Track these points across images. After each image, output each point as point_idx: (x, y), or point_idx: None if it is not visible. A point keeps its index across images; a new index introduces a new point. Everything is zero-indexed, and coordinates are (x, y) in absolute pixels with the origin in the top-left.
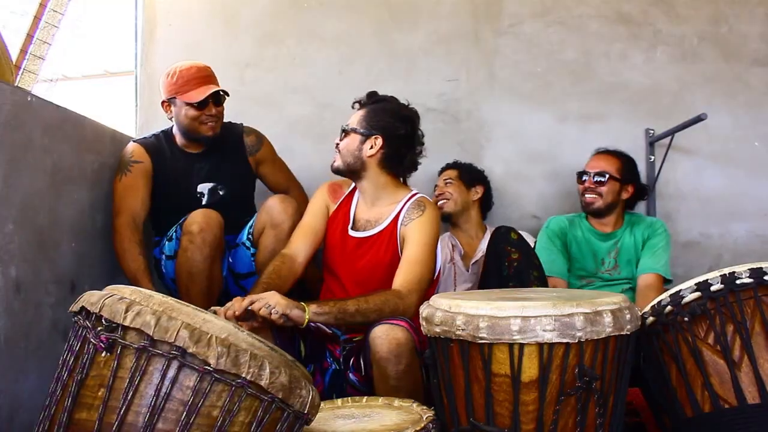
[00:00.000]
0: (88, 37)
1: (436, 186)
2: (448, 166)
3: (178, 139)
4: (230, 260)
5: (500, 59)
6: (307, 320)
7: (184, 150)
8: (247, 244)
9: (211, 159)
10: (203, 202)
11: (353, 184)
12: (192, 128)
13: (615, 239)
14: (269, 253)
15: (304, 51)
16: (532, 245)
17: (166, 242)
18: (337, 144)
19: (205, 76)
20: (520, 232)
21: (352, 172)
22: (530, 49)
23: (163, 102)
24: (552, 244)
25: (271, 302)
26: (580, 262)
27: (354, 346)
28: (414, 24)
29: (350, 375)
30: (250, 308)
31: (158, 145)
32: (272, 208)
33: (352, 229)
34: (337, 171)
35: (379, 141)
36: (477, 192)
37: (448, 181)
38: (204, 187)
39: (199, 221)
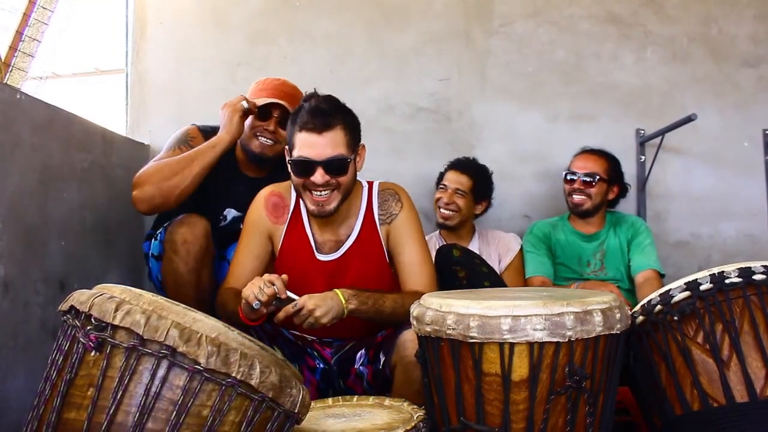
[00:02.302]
0: (78, 35)
1: (442, 186)
2: (464, 168)
3: (238, 149)
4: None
5: (491, 59)
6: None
7: (236, 164)
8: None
9: (255, 188)
10: (220, 224)
11: (294, 197)
12: (247, 140)
13: (600, 240)
14: None
15: (295, 50)
16: (519, 247)
17: (153, 241)
18: (328, 183)
19: (284, 93)
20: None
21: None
22: (521, 49)
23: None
24: (536, 248)
25: (315, 315)
26: (565, 265)
27: (358, 341)
28: (405, 24)
29: (360, 368)
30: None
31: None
32: None
33: (319, 253)
34: (334, 212)
35: (364, 150)
36: (481, 207)
37: (459, 192)
38: (230, 213)
39: (183, 232)
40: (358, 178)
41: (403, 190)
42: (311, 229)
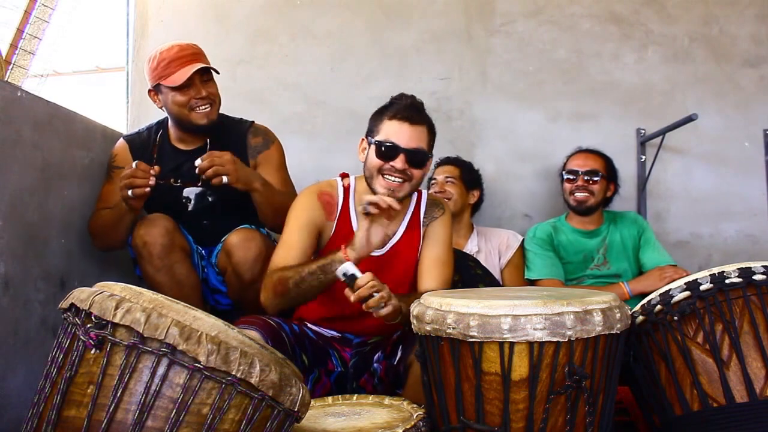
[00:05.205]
0: (79, 33)
1: (433, 180)
2: (449, 161)
3: (173, 132)
4: (206, 271)
5: (492, 58)
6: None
7: (176, 147)
8: (216, 270)
9: (214, 145)
10: (189, 209)
11: (342, 191)
12: (183, 117)
13: (602, 236)
14: (237, 295)
15: (296, 48)
16: (518, 245)
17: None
18: (404, 170)
19: (189, 54)
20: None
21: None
22: (522, 48)
23: (149, 91)
24: (543, 250)
25: (384, 296)
26: (571, 264)
27: (377, 343)
28: (406, 22)
29: (375, 365)
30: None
31: (147, 142)
32: (233, 251)
33: None
34: (400, 200)
35: (431, 162)
36: (474, 195)
37: (449, 179)
38: (191, 192)
39: (142, 234)
40: None
41: (448, 205)
42: (359, 224)
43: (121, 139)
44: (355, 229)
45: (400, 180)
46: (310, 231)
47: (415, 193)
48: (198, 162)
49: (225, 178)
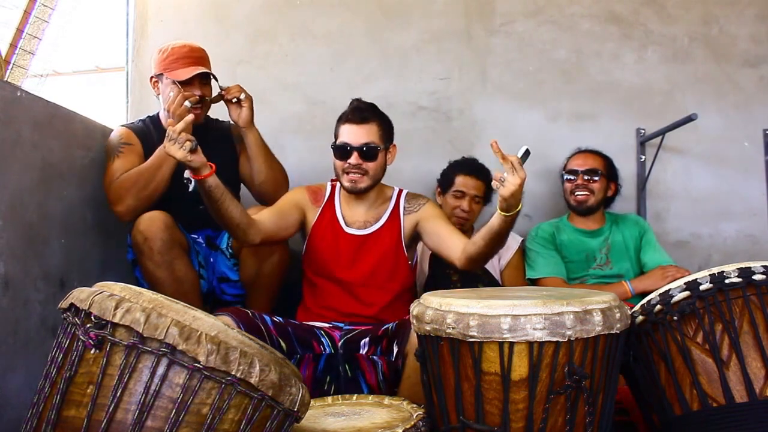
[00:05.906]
0: (78, 33)
1: (458, 191)
2: (477, 173)
3: (165, 123)
4: (211, 260)
5: (492, 58)
6: None
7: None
8: (227, 253)
9: (200, 144)
10: (189, 189)
11: (330, 188)
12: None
13: (604, 236)
14: (254, 272)
15: (296, 48)
16: (518, 245)
17: (128, 247)
18: (359, 165)
19: (197, 57)
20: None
21: (374, 187)
22: (522, 48)
23: (151, 78)
24: (545, 248)
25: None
26: (573, 263)
27: (365, 330)
28: (406, 22)
29: (374, 357)
30: None
31: (145, 130)
32: None
33: (348, 227)
34: (363, 191)
35: (395, 149)
36: (483, 208)
37: (477, 198)
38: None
39: (142, 230)
40: (392, 185)
41: (427, 197)
42: (342, 211)
43: (121, 126)
44: (338, 217)
45: (359, 174)
46: (290, 206)
47: (397, 189)
48: (223, 86)
49: (243, 95)
